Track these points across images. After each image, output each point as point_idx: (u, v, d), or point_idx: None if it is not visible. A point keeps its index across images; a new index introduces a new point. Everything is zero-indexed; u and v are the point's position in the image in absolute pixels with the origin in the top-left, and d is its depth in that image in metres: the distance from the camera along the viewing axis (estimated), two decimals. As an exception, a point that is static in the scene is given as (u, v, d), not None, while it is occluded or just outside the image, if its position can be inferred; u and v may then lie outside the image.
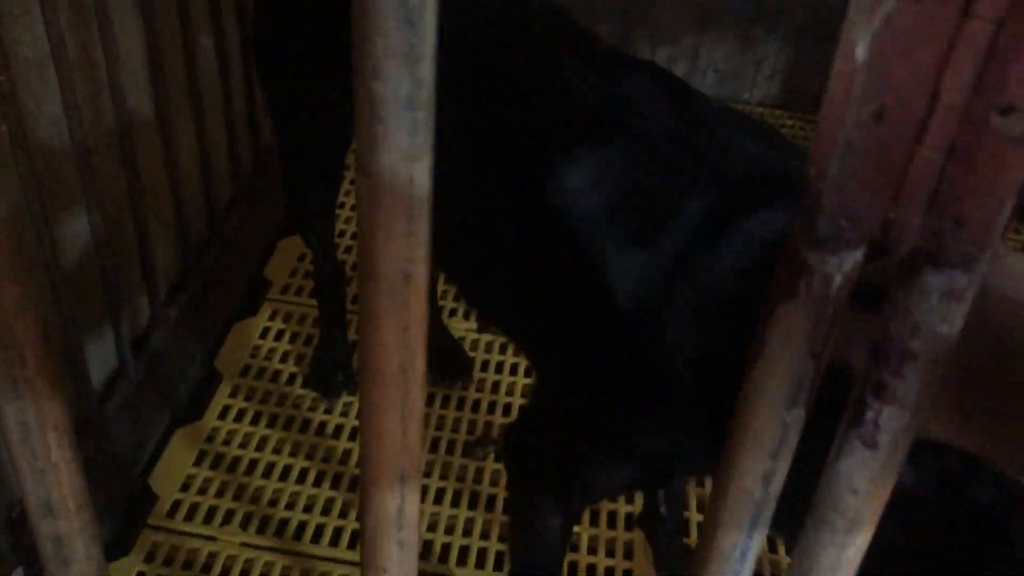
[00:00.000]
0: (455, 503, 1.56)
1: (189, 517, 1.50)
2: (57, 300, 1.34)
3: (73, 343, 1.40)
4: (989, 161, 0.36)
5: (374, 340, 0.44)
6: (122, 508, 1.49)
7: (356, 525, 1.52)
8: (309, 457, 1.62)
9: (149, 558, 1.43)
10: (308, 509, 1.53)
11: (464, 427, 1.69)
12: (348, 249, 2.05)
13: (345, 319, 1.75)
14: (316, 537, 1.49)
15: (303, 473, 1.59)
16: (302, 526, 1.51)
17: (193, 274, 1.78)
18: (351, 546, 1.48)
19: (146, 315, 1.64)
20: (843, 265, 0.39)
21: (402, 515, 0.51)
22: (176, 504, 1.51)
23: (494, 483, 1.58)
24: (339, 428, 1.67)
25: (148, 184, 1.55)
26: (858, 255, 0.40)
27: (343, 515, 1.53)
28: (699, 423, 0.81)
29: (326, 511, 1.53)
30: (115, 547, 1.44)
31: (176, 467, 1.57)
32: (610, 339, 0.88)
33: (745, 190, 0.84)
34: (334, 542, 1.49)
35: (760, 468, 0.47)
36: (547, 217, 0.91)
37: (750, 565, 0.55)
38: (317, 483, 1.58)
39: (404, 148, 0.39)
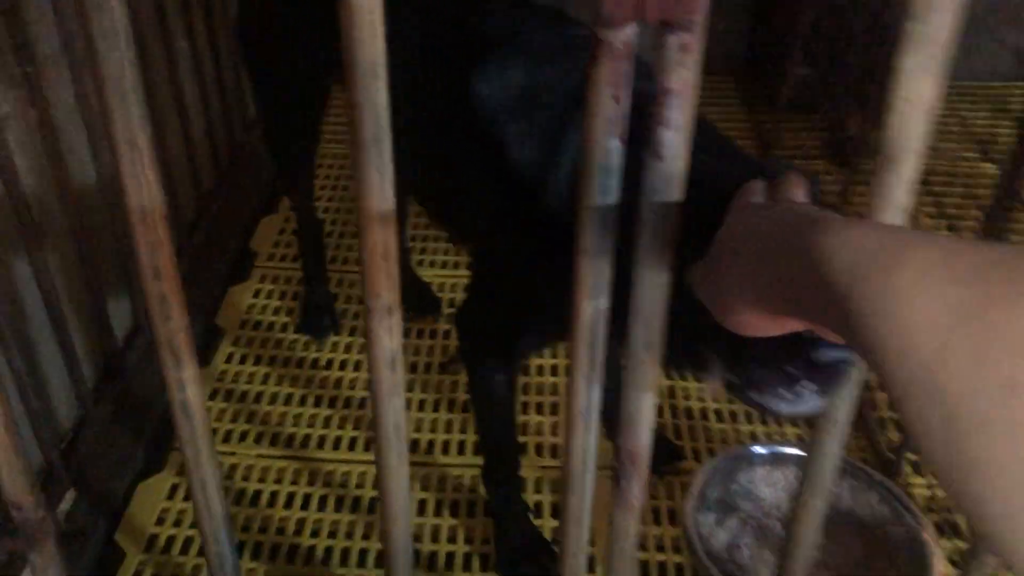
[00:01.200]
0: (435, 409, 1.83)
1: (210, 439, 1.75)
2: (83, 264, 1.60)
3: (98, 302, 1.66)
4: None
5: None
6: (151, 434, 1.74)
7: (353, 433, 1.78)
8: (306, 386, 1.88)
9: (179, 472, 1.68)
10: (311, 424, 1.80)
11: (438, 352, 1.96)
12: (326, 209, 2.33)
13: (326, 268, 2.02)
14: (320, 444, 1.75)
15: (303, 398, 1.85)
16: (307, 438, 1.77)
17: (186, 251, 2.05)
18: (351, 449, 1.75)
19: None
20: (622, 36, 0.67)
21: (387, 250, 0.78)
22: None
23: (466, 392, 1.85)
24: (330, 361, 1.94)
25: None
26: (629, 31, 0.67)
27: (341, 426, 1.79)
28: None
29: (326, 424, 1.80)
30: (150, 466, 1.69)
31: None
32: (516, 207, 1.16)
33: None
34: (336, 447, 1.75)
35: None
36: (469, 119, 1.19)
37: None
38: (317, 404, 1.84)
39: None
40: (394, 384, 0.87)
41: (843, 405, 0.90)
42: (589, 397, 0.85)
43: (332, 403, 1.84)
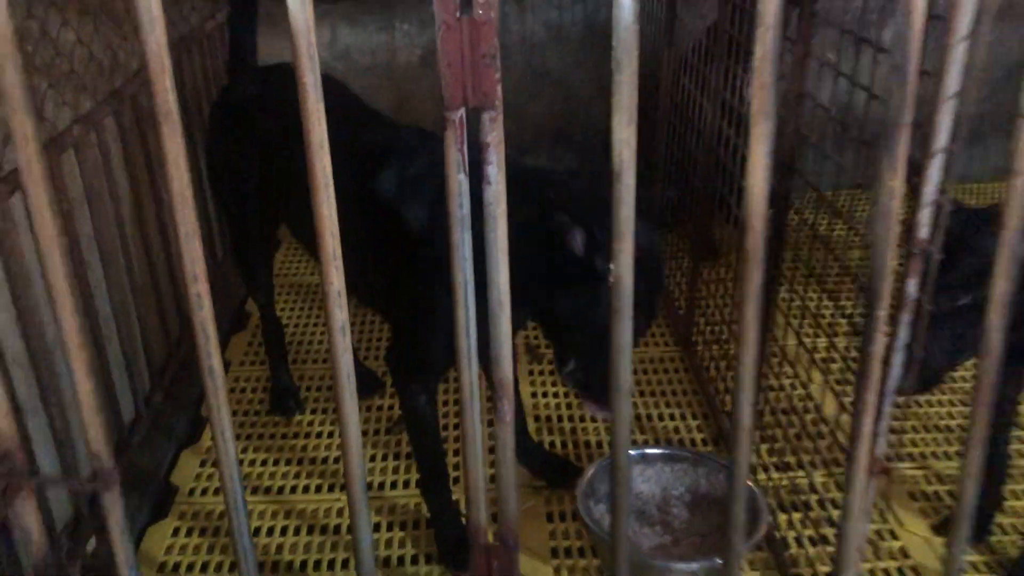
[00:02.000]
0: (383, 459, 2.29)
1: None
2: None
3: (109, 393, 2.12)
4: None
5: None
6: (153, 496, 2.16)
7: (319, 481, 2.22)
8: (279, 451, 2.33)
9: (180, 517, 2.10)
10: (284, 477, 2.23)
11: (384, 416, 2.43)
12: (286, 323, 2.84)
13: (287, 357, 2.51)
14: (293, 490, 2.19)
15: (276, 460, 2.30)
16: (282, 487, 2.20)
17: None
18: (318, 491, 2.19)
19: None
20: (457, 115, 1.22)
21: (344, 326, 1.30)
22: (192, 490, 2.19)
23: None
24: (297, 433, 2.40)
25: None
26: (460, 112, 1.22)
27: (308, 476, 2.24)
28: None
29: (296, 476, 2.24)
30: (155, 516, 2.11)
31: (189, 466, 2.26)
32: (416, 260, 1.70)
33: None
34: (306, 491, 2.19)
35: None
36: (376, 211, 1.75)
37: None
38: (288, 463, 2.28)
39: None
40: (358, 438, 1.36)
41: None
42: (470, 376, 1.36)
43: (300, 461, 2.29)
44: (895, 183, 1.27)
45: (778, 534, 1.98)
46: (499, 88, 1.21)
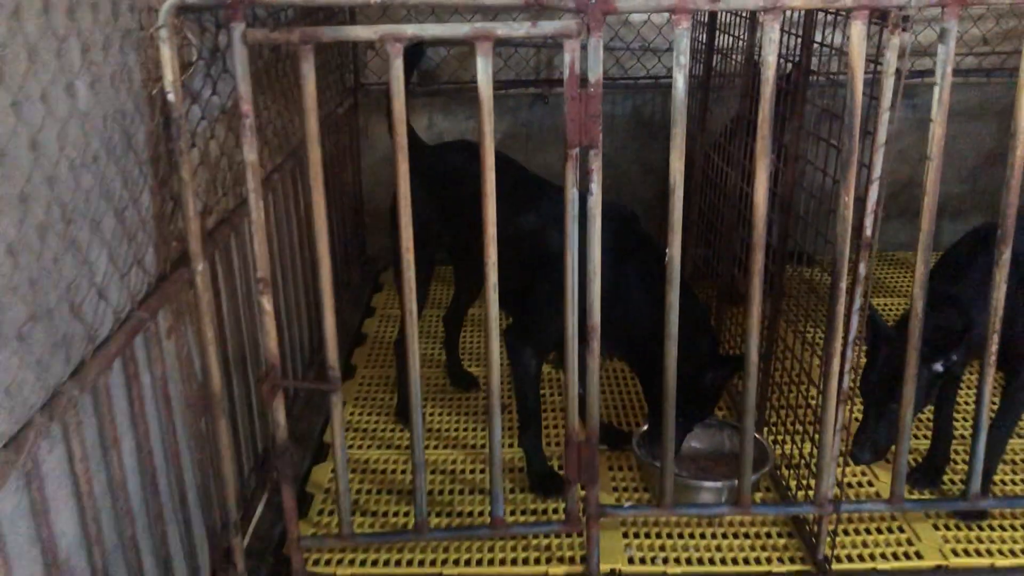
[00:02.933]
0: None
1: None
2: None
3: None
4: None
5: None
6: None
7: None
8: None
9: (335, 463, 2.82)
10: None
11: (480, 406, 3.16)
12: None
13: None
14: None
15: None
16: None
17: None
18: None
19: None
20: (575, 151, 1.98)
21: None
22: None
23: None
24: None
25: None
26: (577, 149, 1.97)
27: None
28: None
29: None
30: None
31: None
32: (547, 265, 2.45)
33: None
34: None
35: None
36: (524, 239, 2.53)
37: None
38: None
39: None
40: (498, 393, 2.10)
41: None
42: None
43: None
44: (848, 199, 2.03)
45: (783, 481, 2.66)
46: (600, 135, 1.99)
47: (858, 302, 2.13)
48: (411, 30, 1.94)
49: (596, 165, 2.02)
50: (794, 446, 2.55)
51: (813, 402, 2.41)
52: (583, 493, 2.25)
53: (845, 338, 2.15)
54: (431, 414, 3.15)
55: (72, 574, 1.53)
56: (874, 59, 2.04)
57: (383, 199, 4.44)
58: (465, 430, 3.05)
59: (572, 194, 2.04)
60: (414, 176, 3.08)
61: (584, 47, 1.94)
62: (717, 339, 2.57)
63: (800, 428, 2.51)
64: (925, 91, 4.47)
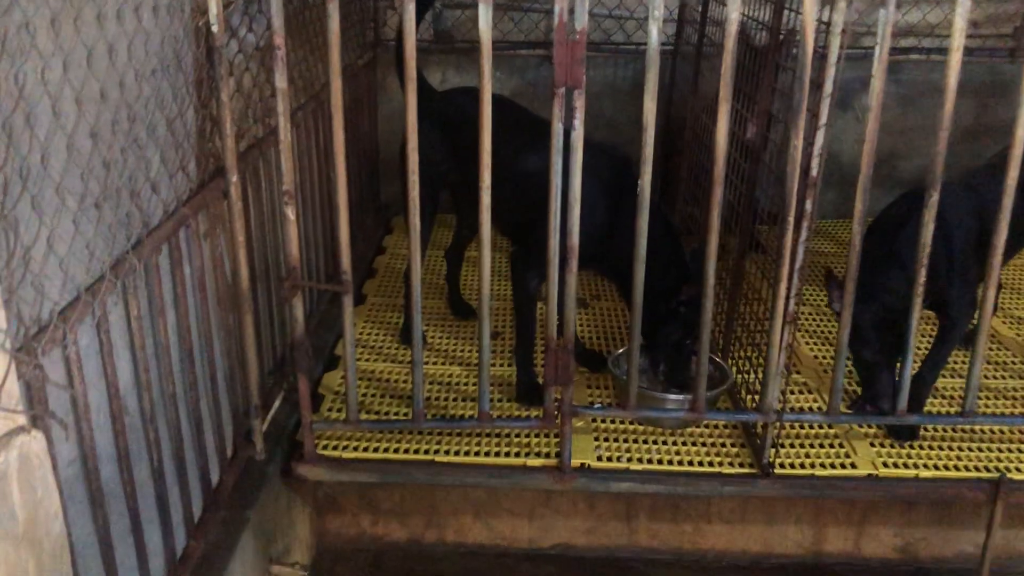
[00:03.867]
0: (477, 351, 3.34)
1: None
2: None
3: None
4: None
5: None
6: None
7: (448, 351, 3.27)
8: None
9: (344, 372, 3.16)
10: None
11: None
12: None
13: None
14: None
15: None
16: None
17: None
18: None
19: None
20: (562, 90, 2.29)
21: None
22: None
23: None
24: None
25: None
26: (563, 88, 2.28)
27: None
28: None
29: (418, 356, 3.29)
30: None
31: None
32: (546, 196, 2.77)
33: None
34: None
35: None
36: (522, 172, 2.84)
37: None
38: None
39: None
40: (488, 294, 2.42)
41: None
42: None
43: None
44: (797, 142, 2.33)
45: (740, 401, 2.98)
46: (584, 78, 2.29)
47: (804, 234, 2.44)
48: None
49: (579, 104, 2.32)
50: (750, 369, 2.87)
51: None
52: (560, 396, 2.58)
53: (791, 266, 2.46)
54: (432, 336, 3.48)
55: (127, 409, 1.87)
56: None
57: (396, 149, 4.78)
58: (462, 351, 3.38)
59: (557, 128, 2.35)
60: (423, 119, 3.41)
61: (573, -1, 2.25)
62: (686, 264, 2.88)
63: (755, 352, 2.83)
64: (911, 68, 4.77)
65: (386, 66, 4.66)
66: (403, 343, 3.42)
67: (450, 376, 3.19)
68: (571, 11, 2.24)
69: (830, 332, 3.52)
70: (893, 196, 2.93)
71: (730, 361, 3.16)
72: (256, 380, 2.56)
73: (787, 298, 2.49)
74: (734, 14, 2.25)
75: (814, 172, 2.40)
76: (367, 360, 3.29)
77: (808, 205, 2.42)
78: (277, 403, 2.88)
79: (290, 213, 2.41)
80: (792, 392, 3.02)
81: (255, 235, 2.73)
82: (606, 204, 2.84)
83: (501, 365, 3.23)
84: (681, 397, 2.81)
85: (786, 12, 2.85)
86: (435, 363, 3.27)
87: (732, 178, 3.34)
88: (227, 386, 2.53)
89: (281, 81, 2.30)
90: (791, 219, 2.41)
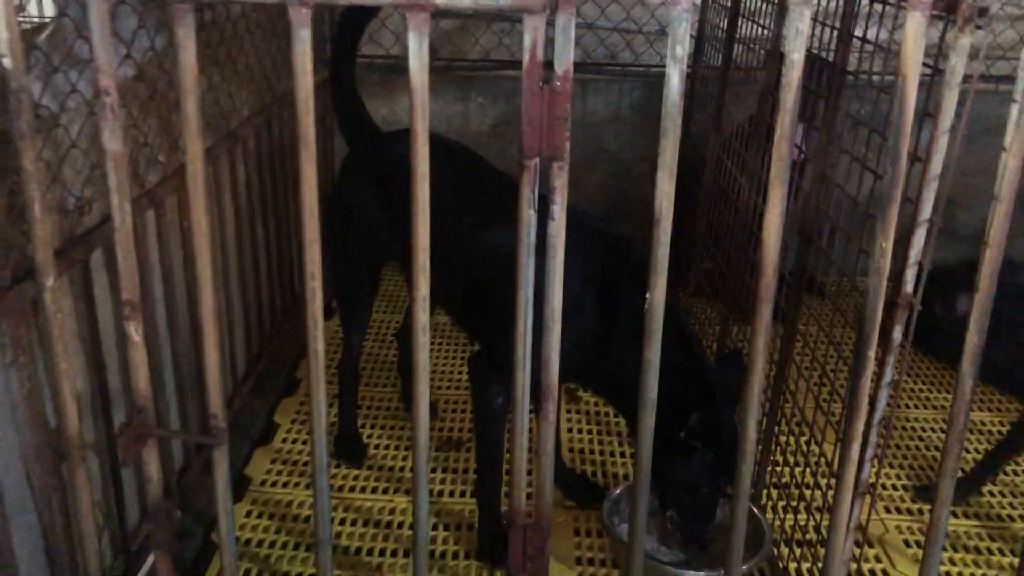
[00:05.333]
0: (432, 471, 2.56)
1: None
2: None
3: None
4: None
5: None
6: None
7: (383, 484, 2.49)
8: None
9: None
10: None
11: (437, 437, 2.71)
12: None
13: (357, 405, 2.74)
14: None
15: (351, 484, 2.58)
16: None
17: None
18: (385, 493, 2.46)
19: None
20: (533, 162, 1.53)
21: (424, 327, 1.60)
22: (263, 482, 2.48)
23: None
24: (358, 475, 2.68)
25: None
26: (536, 160, 1.53)
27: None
28: None
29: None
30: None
31: (262, 462, 2.55)
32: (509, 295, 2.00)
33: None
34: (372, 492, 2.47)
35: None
36: (484, 252, 2.06)
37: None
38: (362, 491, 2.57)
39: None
40: (426, 431, 1.65)
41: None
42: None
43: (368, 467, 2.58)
44: (886, 245, 1.56)
45: (780, 564, 2.20)
46: (567, 144, 1.53)
47: (889, 375, 1.67)
48: (322, -8, 1.47)
49: (560, 182, 1.55)
50: (797, 528, 2.10)
51: (823, 480, 1.96)
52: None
53: (869, 420, 1.68)
54: (377, 442, 2.71)
55: None
56: (933, 63, 1.57)
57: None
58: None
59: (528, 216, 1.58)
60: (358, 170, 2.63)
61: (551, 25, 1.48)
62: (707, 376, 2.09)
63: (804, 508, 2.06)
64: (978, 98, 3.97)
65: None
66: (337, 457, 2.65)
67: (391, 511, 2.41)
68: (550, 43, 1.47)
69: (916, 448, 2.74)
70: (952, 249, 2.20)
71: (765, 496, 2.38)
72: (96, 559, 1.79)
73: (860, 462, 1.72)
74: (796, 55, 1.47)
75: (909, 286, 1.62)
76: (285, 485, 2.51)
77: (898, 333, 1.65)
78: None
79: (134, 332, 1.64)
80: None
81: (110, 350, 1.97)
82: (596, 303, 2.07)
83: (461, 495, 2.45)
84: (702, 575, 2.03)
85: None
86: (375, 489, 2.50)
87: (755, 231, 2.57)
88: (52, 571, 1.77)
89: (113, 142, 1.53)
90: (871, 353, 1.63)
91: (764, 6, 2.84)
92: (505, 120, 3.95)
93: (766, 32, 2.78)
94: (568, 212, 1.63)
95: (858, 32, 2.06)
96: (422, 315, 1.64)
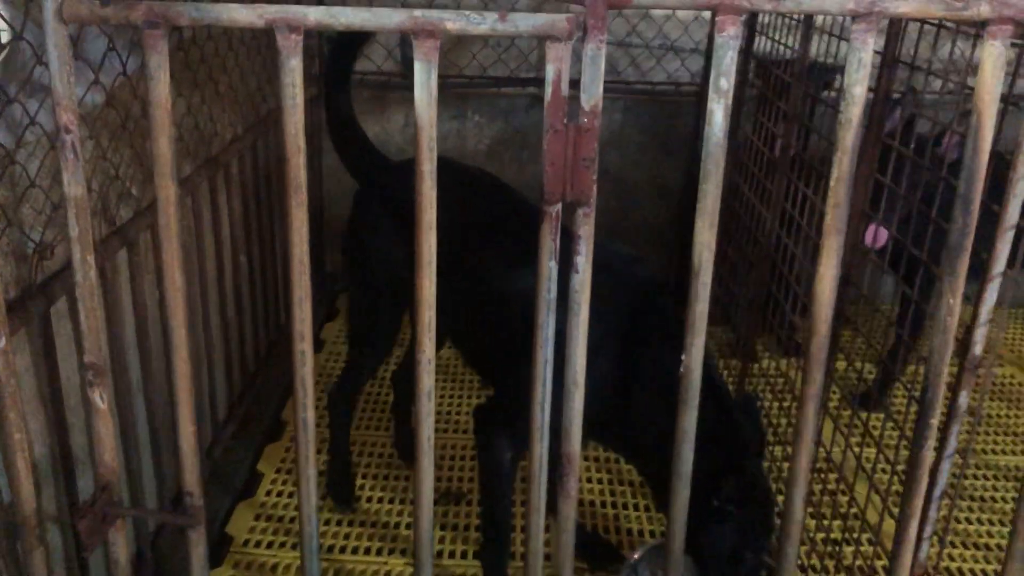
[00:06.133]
0: (432, 527, 2.35)
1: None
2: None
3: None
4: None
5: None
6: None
7: (376, 544, 2.29)
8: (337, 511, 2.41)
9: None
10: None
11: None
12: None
13: (349, 443, 2.54)
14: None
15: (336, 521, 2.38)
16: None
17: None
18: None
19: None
20: (555, 208, 1.34)
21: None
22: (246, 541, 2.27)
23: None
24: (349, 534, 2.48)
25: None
26: (558, 206, 1.34)
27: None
28: None
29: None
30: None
31: (244, 518, 2.34)
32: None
33: None
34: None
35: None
36: (504, 293, 1.87)
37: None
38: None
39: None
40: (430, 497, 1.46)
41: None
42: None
43: (360, 523, 2.37)
44: (954, 301, 1.37)
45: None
46: (594, 188, 1.34)
47: (952, 445, 1.48)
48: (314, 16, 1.28)
49: (585, 231, 1.36)
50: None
51: (865, 537, 1.77)
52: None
53: (929, 494, 1.50)
54: (370, 491, 2.51)
55: None
56: (1007, 96, 1.39)
57: (343, 209, 3.80)
58: (408, 526, 2.40)
59: (548, 269, 1.38)
60: (378, 206, 2.42)
61: (576, 55, 1.29)
62: (737, 431, 1.89)
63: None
64: None
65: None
66: (329, 497, 2.45)
67: (386, 574, 2.21)
68: (576, 80, 1.28)
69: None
70: None
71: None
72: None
73: (919, 541, 1.53)
74: (858, 88, 1.28)
75: (978, 348, 1.44)
76: (267, 549, 2.29)
77: (963, 399, 1.46)
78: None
79: (98, 399, 1.44)
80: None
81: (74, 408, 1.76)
82: (620, 355, 1.87)
83: (462, 556, 2.25)
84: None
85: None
86: (367, 546, 2.29)
87: (778, 264, 2.40)
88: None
89: (75, 186, 1.33)
90: (934, 422, 1.45)
91: (785, 19, 2.67)
92: (503, 140, 3.75)
93: (790, 51, 2.61)
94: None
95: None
96: (426, 379, 1.45)
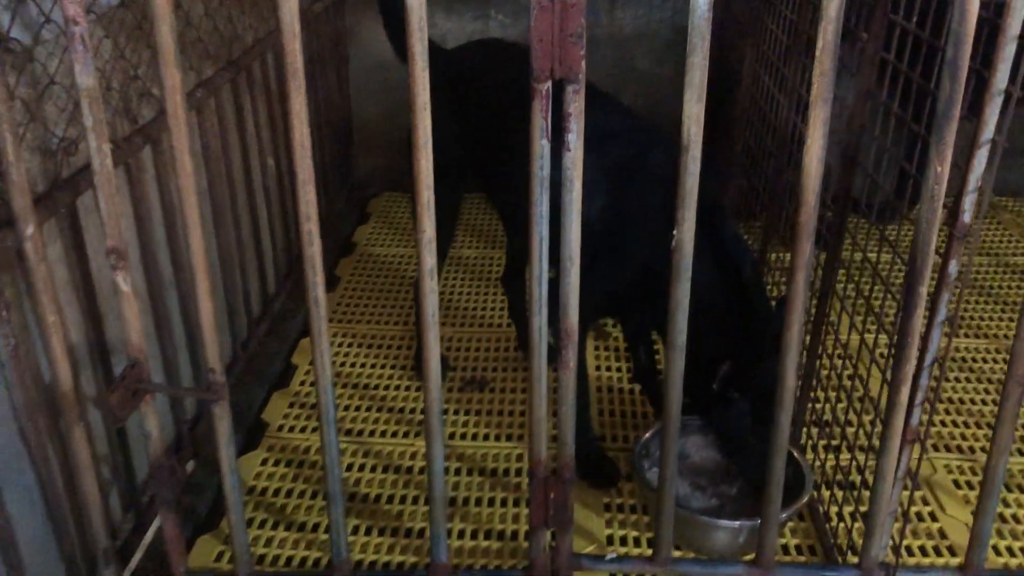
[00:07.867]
0: (455, 413, 2.46)
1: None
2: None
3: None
4: None
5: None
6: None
7: (401, 428, 2.40)
8: (361, 398, 2.52)
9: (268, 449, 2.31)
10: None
11: (459, 378, 2.61)
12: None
13: None
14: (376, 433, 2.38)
15: (359, 407, 2.49)
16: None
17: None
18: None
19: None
20: (544, 86, 1.37)
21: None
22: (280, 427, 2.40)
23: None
24: (378, 384, 2.59)
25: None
26: (548, 83, 1.37)
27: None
28: None
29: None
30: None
31: (279, 407, 2.47)
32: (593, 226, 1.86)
33: None
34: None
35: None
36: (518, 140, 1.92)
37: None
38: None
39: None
40: (438, 375, 1.53)
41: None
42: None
43: (380, 408, 2.48)
44: (942, 169, 1.39)
45: (821, 508, 2.09)
46: (583, 63, 1.37)
47: (942, 313, 1.52)
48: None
49: (575, 108, 1.39)
50: (839, 469, 1.97)
51: (867, 418, 1.83)
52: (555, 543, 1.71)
53: (920, 360, 1.54)
54: (396, 387, 2.61)
55: None
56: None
57: (374, 113, 3.84)
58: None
59: (540, 148, 1.43)
60: (434, 86, 2.43)
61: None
62: (763, 313, 1.96)
63: (847, 448, 1.93)
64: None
65: (358, 9, 3.69)
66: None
67: (412, 455, 2.32)
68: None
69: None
70: None
71: (805, 435, 2.26)
72: (101, 516, 1.71)
73: (910, 407, 1.58)
74: (843, -47, 1.28)
75: (967, 216, 1.46)
76: (300, 433, 2.41)
77: (953, 267, 1.49)
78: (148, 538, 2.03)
79: (122, 282, 1.53)
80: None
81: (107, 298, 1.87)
82: (649, 235, 1.92)
83: (485, 438, 2.36)
84: (737, 524, 1.92)
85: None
86: (394, 430, 2.41)
87: (794, 152, 2.40)
88: (54, 530, 1.70)
89: (85, 77, 1.39)
90: (923, 290, 1.48)
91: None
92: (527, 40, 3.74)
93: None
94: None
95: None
96: (428, 258, 1.51)
